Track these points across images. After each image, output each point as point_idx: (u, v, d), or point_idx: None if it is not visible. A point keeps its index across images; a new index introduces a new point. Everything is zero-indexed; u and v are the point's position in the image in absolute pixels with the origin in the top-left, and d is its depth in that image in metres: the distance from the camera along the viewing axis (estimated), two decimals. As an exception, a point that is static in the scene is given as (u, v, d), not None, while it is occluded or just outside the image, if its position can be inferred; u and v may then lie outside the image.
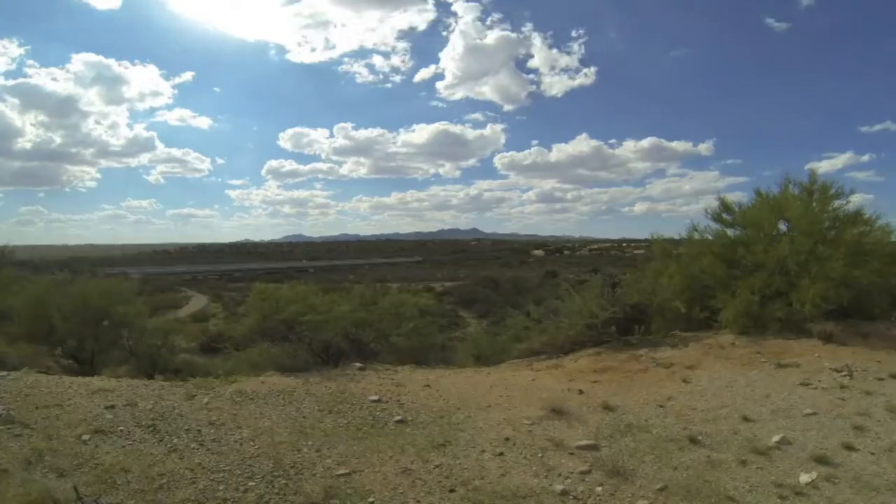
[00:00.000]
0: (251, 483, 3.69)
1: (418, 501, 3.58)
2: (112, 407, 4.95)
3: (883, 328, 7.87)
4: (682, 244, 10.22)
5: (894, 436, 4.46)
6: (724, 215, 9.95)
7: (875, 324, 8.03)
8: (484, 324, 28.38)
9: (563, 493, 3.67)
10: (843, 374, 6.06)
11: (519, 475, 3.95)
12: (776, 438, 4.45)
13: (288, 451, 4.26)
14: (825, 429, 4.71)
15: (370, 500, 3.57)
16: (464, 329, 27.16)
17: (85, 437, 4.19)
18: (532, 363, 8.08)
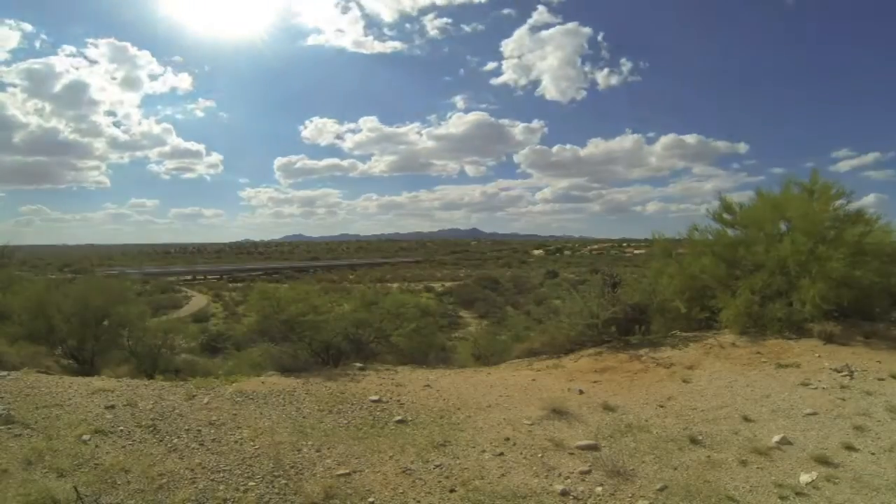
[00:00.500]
0: (251, 483, 3.69)
1: (418, 501, 3.58)
2: (112, 407, 4.96)
3: (883, 328, 7.86)
4: (682, 244, 10.22)
5: (894, 436, 4.46)
6: (725, 215, 9.95)
7: (875, 324, 8.02)
8: (484, 324, 28.37)
9: (564, 493, 3.67)
10: (844, 374, 6.06)
11: (519, 475, 3.95)
12: (776, 438, 4.45)
13: (288, 451, 4.26)
14: (825, 429, 4.71)
15: (370, 500, 3.57)
16: (464, 329, 27.18)
17: (85, 437, 4.20)
18: (532, 363, 8.09)
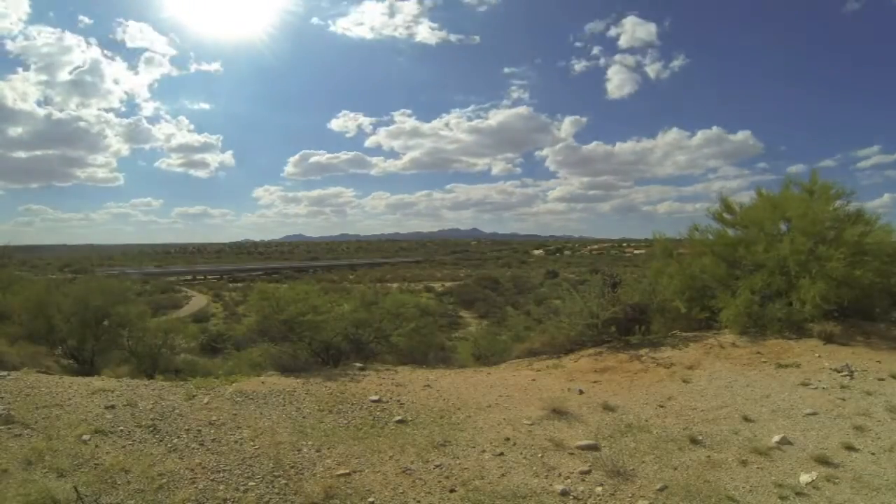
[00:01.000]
0: (251, 483, 3.69)
1: (418, 501, 3.58)
2: (112, 407, 4.96)
3: (883, 328, 7.86)
4: (683, 244, 10.22)
5: (894, 436, 4.46)
6: (726, 215, 9.95)
7: (875, 324, 8.02)
8: (484, 324, 28.39)
9: (564, 493, 3.67)
10: (844, 374, 6.06)
11: (519, 475, 3.95)
12: (776, 438, 4.45)
13: (288, 451, 4.26)
14: (825, 429, 4.71)
15: (370, 500, 3.57)
16: (464, 329, 27.19)
17: (85, 437, 4.20)
18: (532, 363, 8.08)
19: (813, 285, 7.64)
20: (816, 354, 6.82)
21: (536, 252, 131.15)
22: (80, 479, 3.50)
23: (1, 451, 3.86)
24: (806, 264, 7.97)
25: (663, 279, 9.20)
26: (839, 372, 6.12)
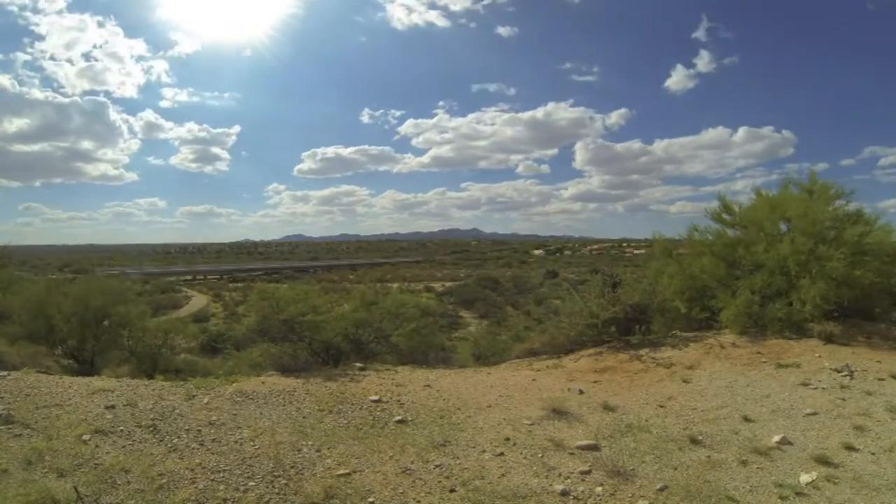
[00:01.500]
0: (251, 483, 3.69)
1: (418, 501, 3.58)
2: (112, 407, 4.96)
3: (884, 328, 7.86)
4: (683, 244, 10.23)
5: (894, 436, 4.46)
6: (725, 215, 9.96)
7: (875, 324, 8.02)
8: (484, 324, 28.39)
9: (564, 493, 3.67)
10: (844, 374, 6.06)
11: (519, 475, 3.95)
12: (776, 438, 4.45)
13: (288, 451, 4.26)
14: (825, 429, 4.70)
15: (370, 500, 3.57)
16: (464, 329, 27.21)
17: (85, 437, 4.20)
18: (532, 363, 8.08)
19: (813, 285, 7.64)
20: (816, 354, 6.82)
21: (536, 252, 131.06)
22: (80, 479, 3.50)
23: (1, 451, 3.86)
24: (806, 264, 7.97)
25: (663, 279, 9.21)
26: (839, 372, 6.12)
